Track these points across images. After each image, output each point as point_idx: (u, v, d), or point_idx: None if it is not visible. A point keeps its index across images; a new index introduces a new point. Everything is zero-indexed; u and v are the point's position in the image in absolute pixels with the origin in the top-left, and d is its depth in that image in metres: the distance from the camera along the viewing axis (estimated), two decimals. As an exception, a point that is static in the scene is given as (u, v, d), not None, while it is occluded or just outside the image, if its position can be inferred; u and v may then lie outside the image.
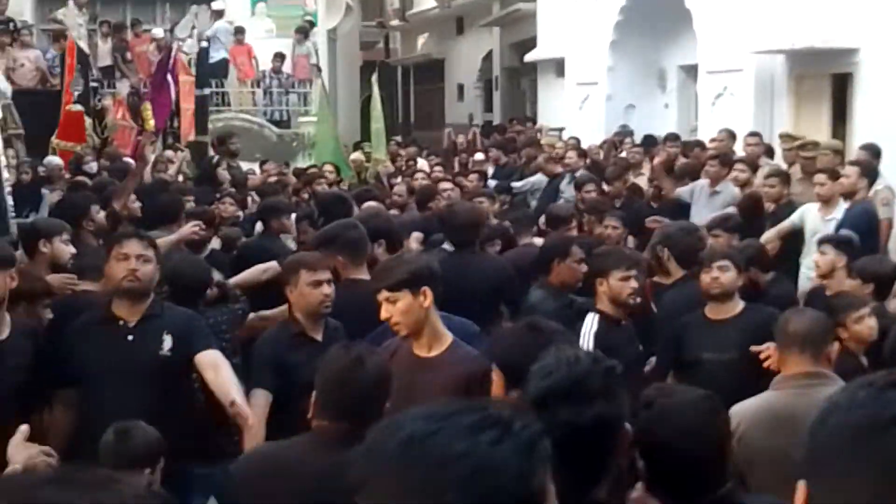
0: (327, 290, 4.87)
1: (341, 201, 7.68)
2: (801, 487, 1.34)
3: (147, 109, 14.21)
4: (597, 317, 5.28)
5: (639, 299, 5.41)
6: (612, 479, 2.31)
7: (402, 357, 4.10)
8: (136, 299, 4.80)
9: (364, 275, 5.48)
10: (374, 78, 17.43)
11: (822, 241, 6.73)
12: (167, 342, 4.84)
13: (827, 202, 8.29)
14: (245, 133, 16.67)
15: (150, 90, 14.74)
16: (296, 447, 3.32)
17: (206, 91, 14.62)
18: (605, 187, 10.37)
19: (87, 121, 13.13)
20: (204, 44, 17.87)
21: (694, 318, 5.65)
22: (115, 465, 3.47)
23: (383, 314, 4.11)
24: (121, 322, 4.78)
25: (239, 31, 19.13)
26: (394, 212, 9.21)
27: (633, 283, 5.32)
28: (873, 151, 9.39)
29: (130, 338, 4.78)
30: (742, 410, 3.93)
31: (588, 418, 2.22)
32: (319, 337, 4.87)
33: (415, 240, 7.48)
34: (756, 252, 6.64)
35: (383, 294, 4.10)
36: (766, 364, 4.50)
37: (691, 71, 15.84)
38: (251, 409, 4.43)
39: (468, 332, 4.59)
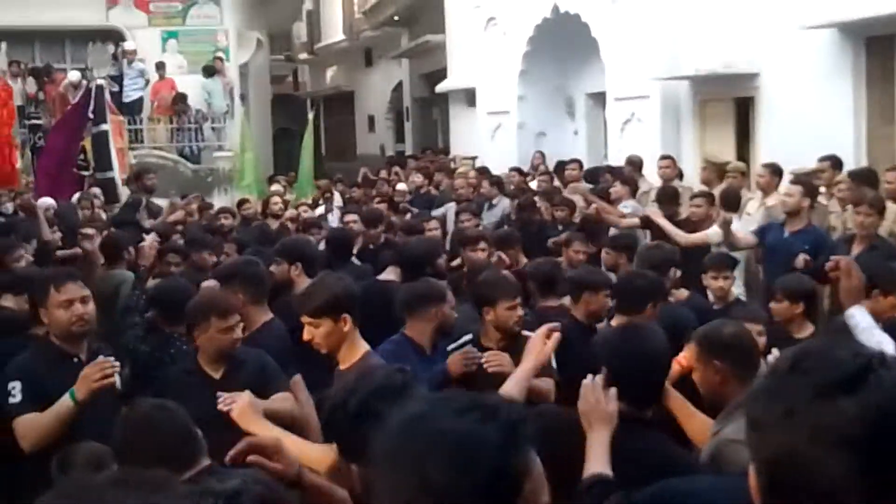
0: (238, 333, 4.93)
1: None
2: (750, 472, 1.60)
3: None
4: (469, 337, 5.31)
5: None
6: None
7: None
8: (85, 337, 4.88)
9: (267, 313, 5.65)
10: (311, 115, 17.74)
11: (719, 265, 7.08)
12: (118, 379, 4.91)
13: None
14: (160, 169, 16.61)
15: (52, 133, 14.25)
16: None
17: (104, 127, 14.18)
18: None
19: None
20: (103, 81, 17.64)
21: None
22: None
23: (306, 335, 4.39)
24: (75, 359, 4.81)
25: (160, 67, 19.14)
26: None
27: (519, 312, 5.33)
28: (774, 170, 9.82)
29: None
30: None
31: None
32: (218, 375, 4.88)
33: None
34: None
35: (306, 319, 4.39)
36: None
37: (599, 98, 16.31)
38: None
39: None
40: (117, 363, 4.62)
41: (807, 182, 8.49)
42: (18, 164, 13.10)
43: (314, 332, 4.35)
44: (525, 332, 5.60)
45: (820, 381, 1.49)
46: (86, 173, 12.77)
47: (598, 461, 3.14)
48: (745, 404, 1.63)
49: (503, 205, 12.27)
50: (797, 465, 1.48)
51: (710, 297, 7.01)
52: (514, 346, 5.42)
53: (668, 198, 9.92)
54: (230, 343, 4.88)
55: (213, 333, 4.86)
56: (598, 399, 3.29)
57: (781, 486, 1.51)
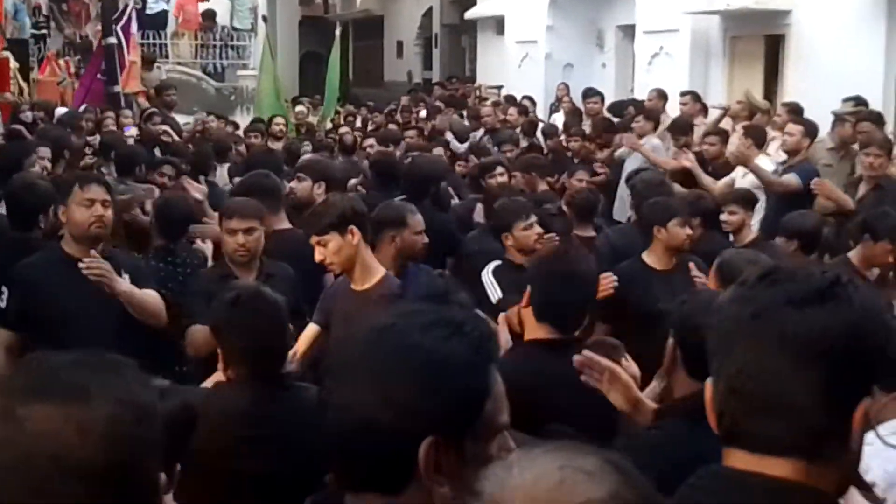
0: (241, 239, 4.87)
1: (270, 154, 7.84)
2: (707, 385, 1.57)
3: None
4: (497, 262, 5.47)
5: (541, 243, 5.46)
6: None
7: (343, 293, 4.49)
8: (96, 243, 4.86)
9: (285, 223, 5.72)
10: (338, 31, 17.56)
11: (729, 201, 6.91)
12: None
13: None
14: (183, 86, 16.56)
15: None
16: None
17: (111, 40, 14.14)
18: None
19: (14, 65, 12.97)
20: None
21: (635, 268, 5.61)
22: None
23: (317, 256, 4.42)
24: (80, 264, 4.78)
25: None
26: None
27: (538, 229, 5.45)
28: (792, 109, 9.68)
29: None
30: None
31: None
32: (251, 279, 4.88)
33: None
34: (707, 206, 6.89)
35: (314, 238, 4.42)
36: None
37: (629, 31, 16.03)
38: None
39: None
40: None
41: (808, 121, 8.42)
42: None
43: (324, 251, 4.38)
44: None
45: (790, 290, 1.47)
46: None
47: None
48: (711, 315, 1.58)
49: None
50: (762, 372, 1.45)
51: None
52: None
53: (679, 128, 9.82)
54: (233, 247, 4.89)
55: (223, 234, 4.94)
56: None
57: (741, 397, 1.48)
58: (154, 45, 17.85)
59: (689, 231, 5.65)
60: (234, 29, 19.39)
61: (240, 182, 6.08)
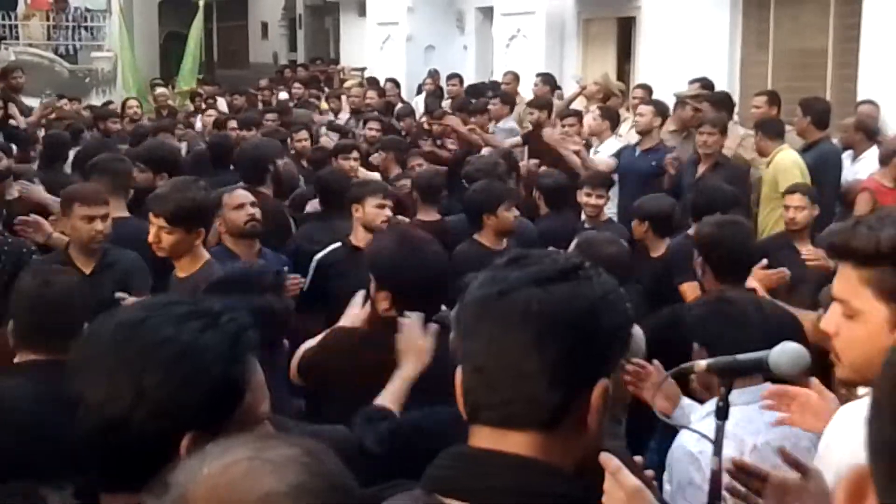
0: (100, 226, 4.81)
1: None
2: (457, 372, 1.58)
3: None
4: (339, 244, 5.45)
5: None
6: None
7: (172, 280, 4.44)
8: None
9: (123, 210, 5.55)
10: (201, 4, 17.27)
11: (596, 185, 7.04)
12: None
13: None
14: (34, 68, 16.03)
15: None
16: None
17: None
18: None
19: None
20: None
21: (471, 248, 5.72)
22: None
23: (151, 236, 4.34)
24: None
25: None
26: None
27: (387, 212, 5.42)
28: (649, 91, 9.90)
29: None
30: None
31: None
32: (88, 270, 4.79)
33: None
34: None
35: (159, 220, 4.29)
36: None
37: (488, 13, 16.14)
38: None
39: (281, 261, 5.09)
40: None
41: (658, 102, 8.62)
42: None
43: (163, 236, 4.30)
44: None
45: (536, 270, 1.51)
46: None
47: (391, 396, 3.10)
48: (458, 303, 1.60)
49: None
50: (504, 347, 1.47)
51: (584, 215, 7.00)
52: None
53: (538, 105, 9.92)
54: (92, 233, 4.79)
55: (76, 221, 4.81)
56: (417, 336, 3.19)
57: (484, 372, 1.50)
58: (3, 25, 17.20)
59: (516, 213, 5.79)
60: (88, 10, 18.83)
61: (91, 163, 5.82)
